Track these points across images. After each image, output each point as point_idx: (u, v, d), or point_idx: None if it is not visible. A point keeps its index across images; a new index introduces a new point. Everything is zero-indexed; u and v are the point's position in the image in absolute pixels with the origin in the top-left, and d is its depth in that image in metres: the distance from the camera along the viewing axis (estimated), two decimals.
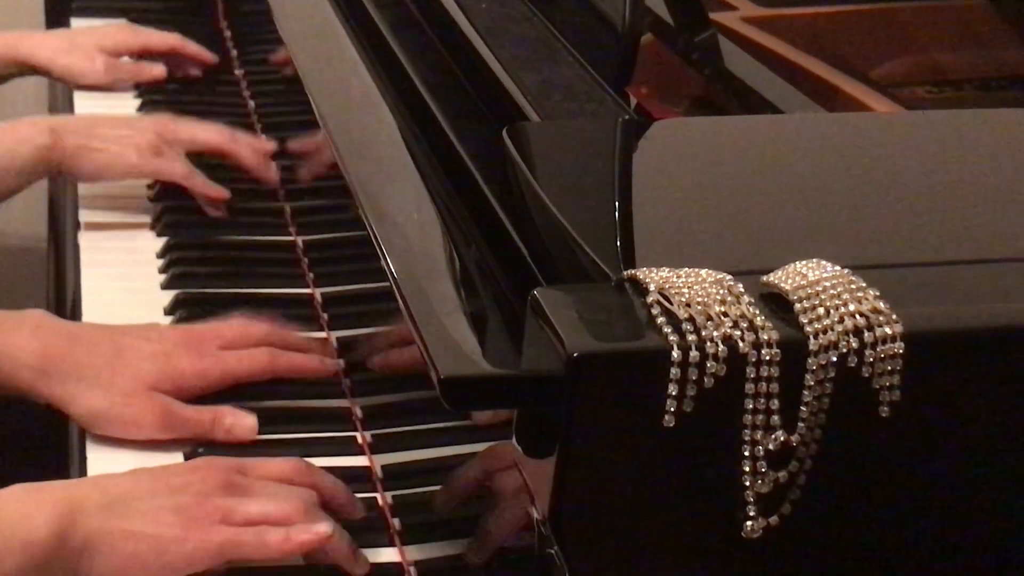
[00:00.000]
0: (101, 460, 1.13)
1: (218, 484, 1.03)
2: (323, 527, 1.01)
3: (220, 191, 1.45)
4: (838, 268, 0.77)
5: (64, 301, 1.39)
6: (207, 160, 1.50)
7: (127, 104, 1.71)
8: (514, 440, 0.81)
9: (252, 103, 1.68)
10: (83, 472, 1.13)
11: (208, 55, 1.74)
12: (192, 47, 1.74)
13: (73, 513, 0.98)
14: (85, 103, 1.70)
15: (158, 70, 1.71)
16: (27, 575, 0.96)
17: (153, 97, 1.72)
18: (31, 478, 1.03)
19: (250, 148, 1.49)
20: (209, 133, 1.49)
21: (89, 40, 1.71)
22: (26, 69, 1.70)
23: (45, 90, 1.86)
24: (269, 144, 1.52)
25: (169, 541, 0.98)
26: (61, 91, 1.77)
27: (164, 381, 1.16)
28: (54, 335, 1.17)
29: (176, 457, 1.15)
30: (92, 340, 1.18)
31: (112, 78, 1.70)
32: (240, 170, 1.48)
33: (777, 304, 0.76)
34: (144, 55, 1.74)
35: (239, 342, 1.21)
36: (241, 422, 1.16)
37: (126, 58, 1.73)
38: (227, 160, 1.48)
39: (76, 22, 1.93)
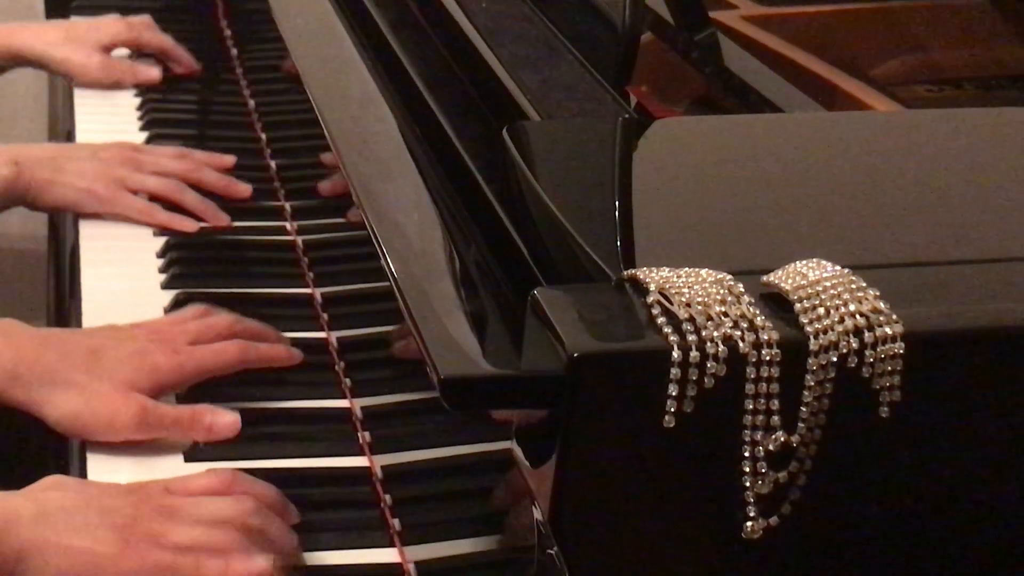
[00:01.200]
0: (101, 465, 1.13)
1: (152, 508, 1.02)
2: (259, 561, 1.00)
3: (183, 223, 1.45)
4: (838, 268, 0.77)
5: (64, 301, 1.39)
6: None
7: (127, 102, 1.71)
8: (514, 440, 0.81)
9: (252, 103, 1.68)
10: (83, 476, 1.13)
11: (190, 63, 1.76)
12: (180, 51, 1.75)
13: (5, 523, 0.97)
14: (86, 100, 1.71)
15: (154, 73, 1.72)
16: None
17: (153, 96, 1.72)
18: (31, 482, 1.03)
19: (212, 173, 1.49)
20: (172, 163, 1.49)
21: (86, 34, 1.72)
22: (22, 60, 1.71)
23: (45, 91, 1.86)
24: (228, 159, 1.52)
25: (104, 558, 0.98)
26: (61, 86, 1.77)
27: (142, 379, 1.16)
28: (26, 341, 1.16)
29: (176, 458, 1.15)
30: (65, 344, 1.17)
31: (106, 75, 1.71)
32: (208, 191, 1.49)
33: (777, 304, 0.76)
34: (136, 49, 1.75)
35: (206, 335, 1.21)
36: (221, 419, 1.15)
37: (123, 54, 1.74)
38: (194, 185, 1.48)
39: (76, 22, 1.93)
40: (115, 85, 1.71)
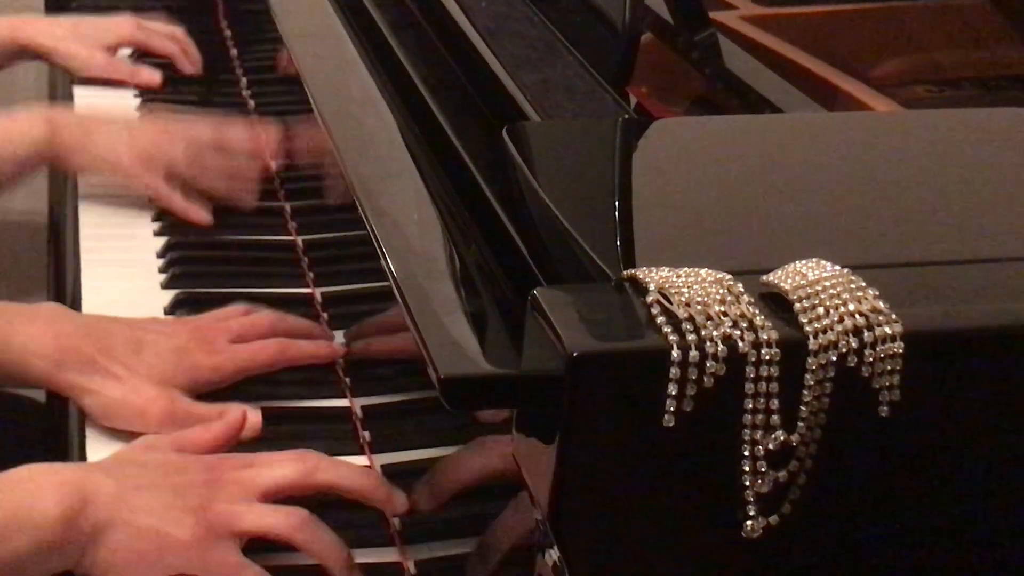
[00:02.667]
0: (100, 455, 1.13)
1: (225, 485, 1.02)
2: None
3: (199, 214, 1.45)
4: (838, 268, 0.77)
5: (64, 301, 1.39)
6: None
7: (127, 102, 1.71)
8: (514, 439, 0.81)
9: (252, 103, 1.68)
10: (82, 457, 1.13)
11: (191, 64, 1.76)
12: (191, 50, 1.75)
13: (84, 500, 0.98)
14: (85, 93, 1.71)
15: (155, 78, 1.72)
16: (34, 556, 0.96)
17: (153, 95, 1.72)
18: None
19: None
20: (204, 130, 1.48)
21: (92, 32, 1.72)
22: (27, 54, 1.71)
23: (45, 83, 1.86)
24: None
25: (177, 542, 0.99)
26: (61, 82, 1.77)
27: (180, 376, 1.17)
28: (70, 327, 1.17)
29: None
30: (107, 334, 1.18)
31: (107, 75, 1.71)
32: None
33: (777, 304, 0.76)
34: (144, 51, 1.75)
35: (248, 334, 1.22)
36: (248, 420, 1.16)
37: (125, 54, 1.74)
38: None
39: None
40: (115, 83, 1.72)
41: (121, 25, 1.75)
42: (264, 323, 1.23)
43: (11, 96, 1.83)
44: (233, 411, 1.16)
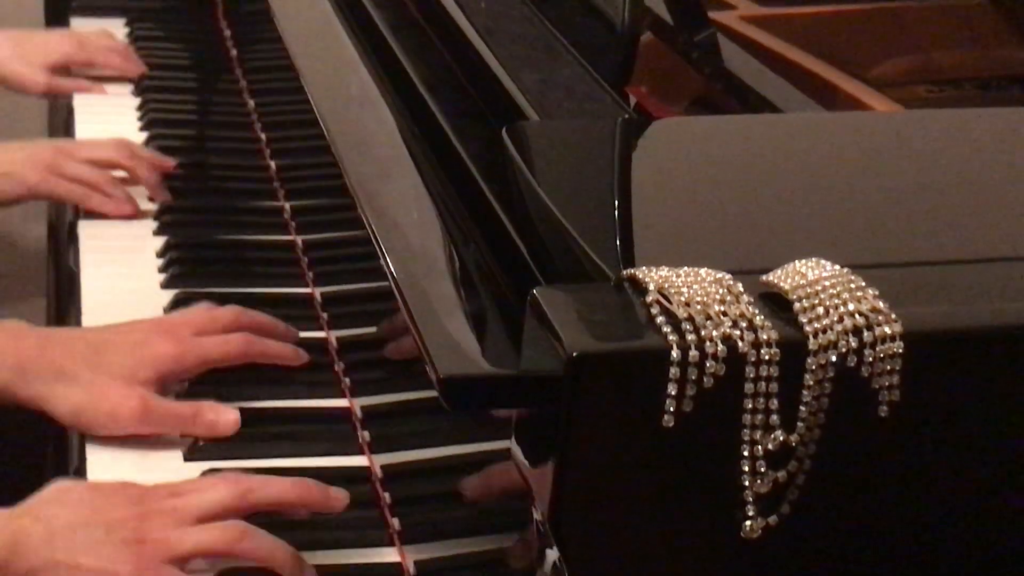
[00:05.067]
0: (101, 461, 1.13)
1: (158, 514, 1.01)
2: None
3: (118, 206, 1.46)
4: (838, 268, 0.77)
5: (64, 301, 1.39)
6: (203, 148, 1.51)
7: (127, 102, 1.71)
8: (514, 440, 0.81)
9: (252, 103, 1.68)
10: (82, 473, 1.13)
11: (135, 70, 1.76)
12: (133, 61, 1.77)
13: (16, 545, 0.98)
14: (86, 99, 1.71)
15: (97, 89, 1.73)
16: None
17: (153, 96, 1.72)
18: (30, 479, 1.03)
19: (147, 165, 1.50)
20: (107, 150, 1.49)
21: (36, 51, 1.73)
22: None
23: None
24: (168, 162, 1.52)
25: None
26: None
27: (143, 369, 1.16)
28: (31, 339, 1.17)
29: (176, 456, 1.15)
30: (68, 341, 1.18)
31: (52, 92, 1.74)
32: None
33: (777, 304, 0.76)
34: (89, 68, 1.76)
35: (211, 327, 1.21)
36: (223, 417, 1.16)
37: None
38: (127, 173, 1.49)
39: (75, 22, 1.93)
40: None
41: (62, 43, 1.76)
42: (227, 317, 1.23)
43: (11, 100, 1.83)
44: (207, 408, 1.16)
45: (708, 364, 0.73)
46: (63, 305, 1.40)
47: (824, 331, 0.74)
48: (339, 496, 1.06)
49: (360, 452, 1.16)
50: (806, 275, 0.76)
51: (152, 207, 1.49)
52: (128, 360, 1.16)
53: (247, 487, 1.04)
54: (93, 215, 1.46)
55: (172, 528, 1.01)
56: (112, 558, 0.98)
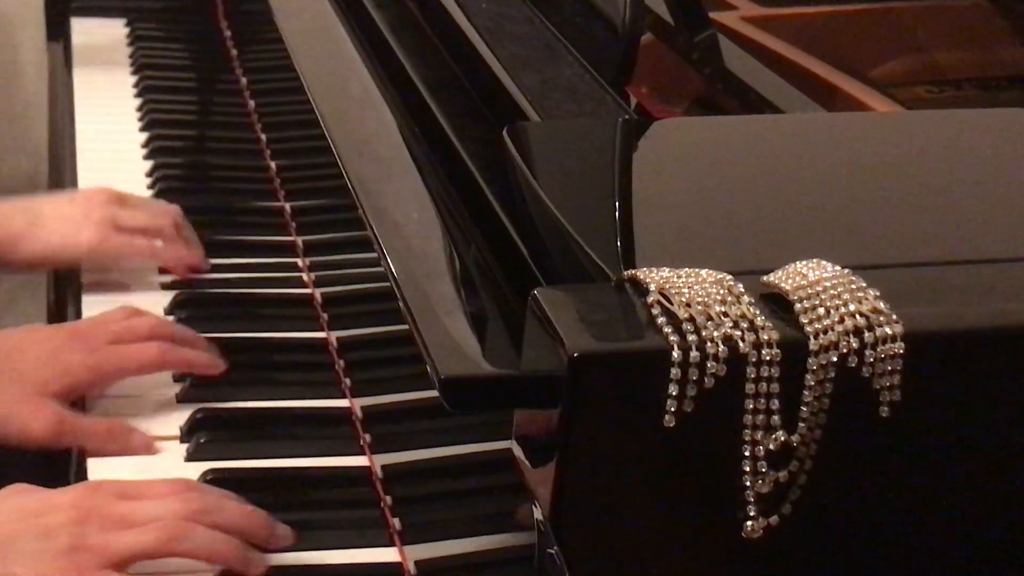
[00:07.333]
0: (100, 465, 1.13)
1: (94, 519, 0.99)
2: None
3: (181, 258, 1.35)
4: (838, 268, 0.77)
5: (64, 304, 1.39)
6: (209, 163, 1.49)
7: (127, 103, 1.71)
8: (514, 440, 0.81)
9: (252, 103, 1.68)
10: (82, 474, 1.13)
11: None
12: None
13: None
14: (86, 99, 1.71)
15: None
16: None
17: (153, 96, 1.72)
18: (34, 480, 1.03)
19: (174, 255, 1.35)
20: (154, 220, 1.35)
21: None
22: None
23: (45, 90, 1.86)
24: (197, 255, 1.37)
25: None
26: (62, 91, 1.77)
27: (54, 380, 1.13)
28: None
29: (177, 458, 1.15)
30: None
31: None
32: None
33: (777, 304, 0.76)
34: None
35: (127, 335, 1.19)
36: (135, 438, 1.13)
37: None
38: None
39: (75, 22, 1.93)
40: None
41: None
42: (144, 326, 1.20)
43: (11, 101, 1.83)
44: (120, 426, 1.13)
45: (709, 364, 0.73)
46: (64, 309, 1.39)
47: (825, 331, 0.74)
48: (286, 535, 1.04)
49: (360, 452, 1.16)
50: (807, 276, 0.76)
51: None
52: (41, 370, 1.13)
53: (199, 508, 1.01)
54: None
55: (111, 532, 0.98)
56: (48, 567, 0.96)
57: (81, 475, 1.13)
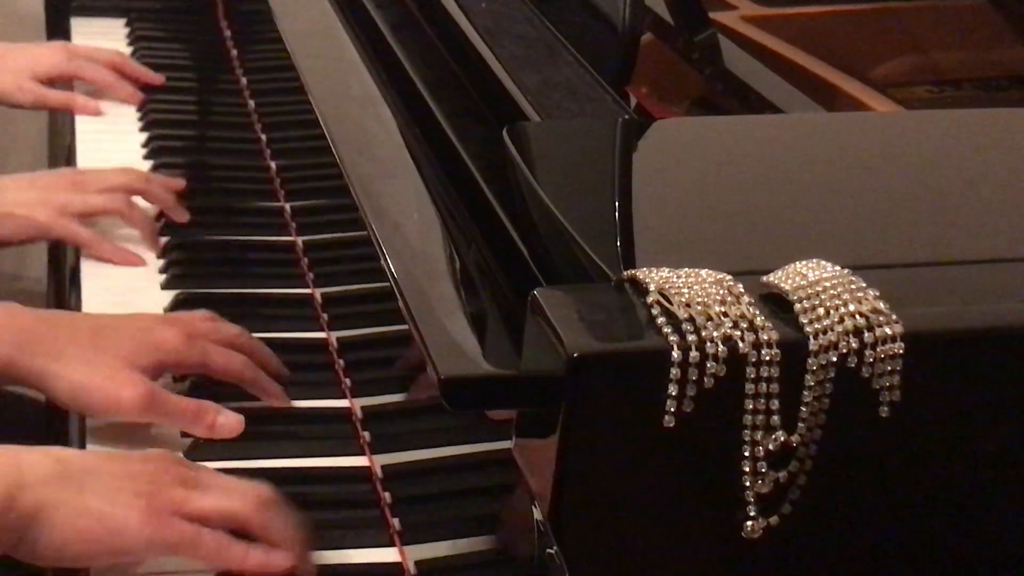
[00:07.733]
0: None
1: (174, 477, 1.00)
2: (280, 558, 0.99)
3: (124, 256, 1.40)
4: (838, 268, 0.77)
5: (64, 301, 1.39)
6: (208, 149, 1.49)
7: (127, 109, 1.71)
8: (514, 440, 0.81)
9: (252, 103, 1.68)
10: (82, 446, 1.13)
11: (153, 77, 1.72)
12: (132, 68, 1.72)
13: (23, 478, 0.95)
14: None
15: (90, 106, 1.68)
16: None
17: (153, 96, 1.72)
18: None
19: (161, 187, 1.45)
20: (118, 178, 1.44)
21: (21, 63, 1.67)
22: None
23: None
24: (179, 182, 1.47)
25: (126, 522, 0.96)
26: (62, 89, 1.77)
27: (145, 355, 1.14)
28: (31, 318, 1.15)
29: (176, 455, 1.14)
30: (68, 320, 1.17)
31: (39, 106, 1.68)
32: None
33: (777, 304, 0.76)
34: (76, 80, 1.71)
35: (213, 336, 1.20)
36: (225, 419, 1.14)
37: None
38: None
39: (75, 22, 1.93)
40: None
41: (50, 55, 1.70)
42: (231, 332, 1.21)
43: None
44: (211, 407, 1.14)
45: (709, 365, 0.73)
46: (63, 306, 1.39)
47: (825, 332, 0.74)
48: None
49: (360, 452, 1.16)
50: (807, 276, 0.76)
51: (152, 208, 1.48)
52: (131, 343, 1.14)
53: (262, 523, 1.01)
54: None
55: (192, 490, 1.00)
56: (122, 503, 0.97)
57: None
